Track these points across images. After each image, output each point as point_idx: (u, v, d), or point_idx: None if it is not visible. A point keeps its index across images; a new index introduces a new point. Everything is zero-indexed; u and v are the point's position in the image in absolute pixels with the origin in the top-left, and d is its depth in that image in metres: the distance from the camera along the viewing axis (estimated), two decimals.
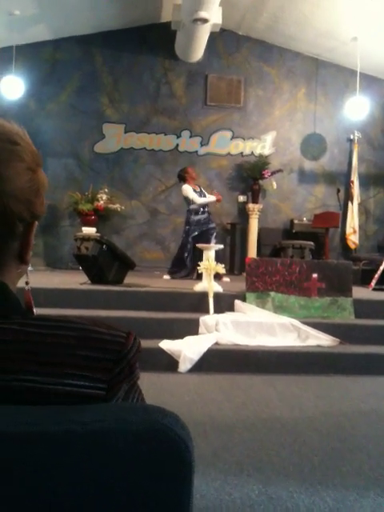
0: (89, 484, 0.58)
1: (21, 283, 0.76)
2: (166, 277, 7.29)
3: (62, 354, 0.63)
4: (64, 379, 0.63)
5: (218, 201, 7.63)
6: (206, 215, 7.44)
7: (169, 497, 0.61)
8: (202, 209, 7.39)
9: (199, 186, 7.65)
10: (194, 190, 7.40)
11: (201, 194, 7.43)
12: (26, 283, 0.79)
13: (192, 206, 7.36)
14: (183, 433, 0.61)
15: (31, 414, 0.57)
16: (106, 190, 9.11)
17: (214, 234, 7.50)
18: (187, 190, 7.33)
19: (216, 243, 6.99)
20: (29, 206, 0.70)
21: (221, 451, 2.71)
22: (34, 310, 0.76)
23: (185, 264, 7.34)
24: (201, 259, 5.90)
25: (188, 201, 7.38)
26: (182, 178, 7.53)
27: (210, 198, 7.44)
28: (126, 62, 9.46)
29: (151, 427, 0.60)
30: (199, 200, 7.32)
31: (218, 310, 5.12)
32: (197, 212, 7.37)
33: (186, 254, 7.31)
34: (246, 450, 2.74)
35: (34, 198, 0.71)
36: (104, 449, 0.58)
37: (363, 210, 9.85)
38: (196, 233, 7.33)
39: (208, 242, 7.00)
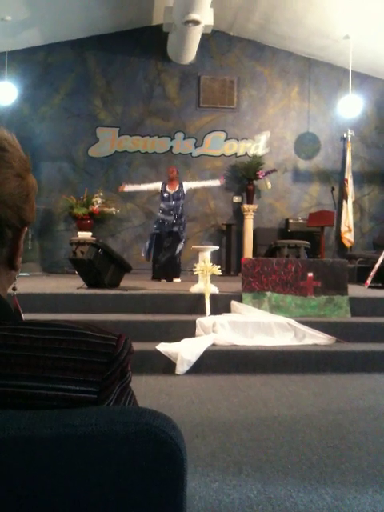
0: (81, 487, 0.58)
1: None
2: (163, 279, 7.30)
3: (53, 358, 0.64)
4: (55, 383, 0.63)
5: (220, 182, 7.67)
6: (171, 218, 7.28)
7: (162, 498, 0.62)
8: (166, 209, 7.30)
9: (172, 190, 7.40)
10: (164, 192, 7.37)
11: (166, 196, 7.33)
12: (13, 289, 0.79)
13: (160, 205, 7.44)
14: (175, 434, 0.62)
15: (22, 418, 0.58)
16: (101, 194, 9.11)
17: (180, 240, 7.36)
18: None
19: (179, 253, 7.26)
20: (18, 211, 0.70)
21: (219, 452, 2.72)
22: (23, 316, 0.77)
23: (155, 266, 7.38)
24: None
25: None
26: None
27: (147, 186, 7.59)
28: (118, 64, 9.48)
29: (142, 429, 0.60)
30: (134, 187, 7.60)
31: (214, 311, 5.12)
32: (162, 210, 7.36)
33: (146, 252, 7.42)
34: (244, 450, 2.75)
35: (23, 203, 0.71)
36: (96, 452, 0.58)
37: (358, 208, 9.88)
38: (156, 230, 7.29)
39: (175, 246, 7.18)
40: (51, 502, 0.58)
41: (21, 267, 0.75)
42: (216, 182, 7.65)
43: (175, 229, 7.25)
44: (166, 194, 7.33)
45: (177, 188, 7.36)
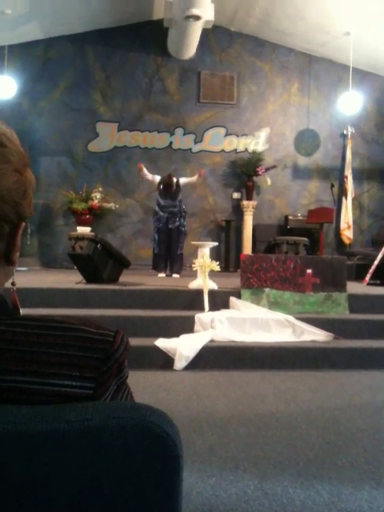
0: (77, 482, 0.58)
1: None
2: (161, 274, 7.28)
3: (50, 354, 0.64)
4: (51, 379, 0.63)
5: (199, 175, 7.51)
6: (167, 214, 7.25)
7: (158, 493, 0.62)
8: (163, 205, 7.27)
9: (170, 192, 7.31)
10: (160, 193, 7.31)
11: (165, 196, 7.27)
12: (12, 284, 0.79)
13: (157, 199, 7.39)
14: (171, 429, 0.62)
15: (18, 413, 0.58)
16: (100, 189, 9.10)
17: (182, 235, 7.36)
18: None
19: (181, 249, 7.26)
20: (15, 207, 0.70)
21: (217, 447, 2.73)
22: (21, 311, 0.77)
23: (157, 258, 7.34)
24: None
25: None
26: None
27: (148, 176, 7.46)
28: (118, 59, 9.45)
29: (138, 424, 0.60)
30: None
31: (213, 307, 5.12)
32: (158, 204, 7.32)
33: (154, 247, 7.37)
34: (241, 446, 2.76)
35: (21, 199, 0.71)
36: (91, 447, 0.58)
37: (357, 205, 9.88)
38: (161, 224, 7.26)
39: (176, 241, 7.20)
40: (47, 496, 0.58)
41: (18, 262, 0.75)
42: (196, 178, 7.53)
43: (176, 224, 7.26)
44: (162, 192, 7.30)
45: (173, 190, 7.30)
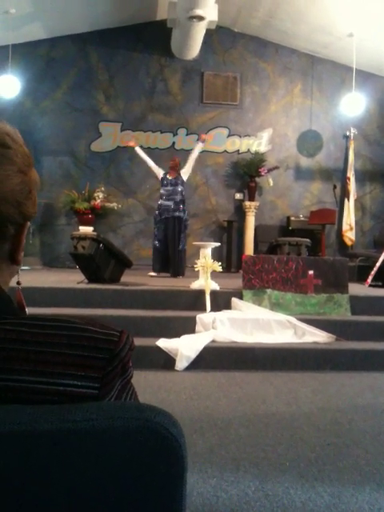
0: (81, 482, 0.58)
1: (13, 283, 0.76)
2: (152, 274, 7.20)
3: (55, 354, 0.64)
4: (56, 379, 0.63)
5: (201, 140, 7.58)
6: (171, 203, 7.22)
7: (161, 493, 0.62)
8: (166, 194, 7.27)
9: (171, 176, 7.37)
10: (163, 179, 7.35)
11: (165, 183, 7.33)
12: (18, 283, 0.79)
13: (160, 191, 7.42)
14: (175, 430, 0.62)
15: (24, 413, 0.58)
16: (103, 189, 9.11)
17: (186, 227, 7.35)
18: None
19: (180, 244, 7.14)
20: (19, 207, 0.70)
21: (217, 448, 2.73)
22: (27, 310, 0.77)
23: (157, 257, 7.26)
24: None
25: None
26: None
27: (150, 163, 7.55)
28: (121, 59, 9.45)
29: (143, 425, 0.60)
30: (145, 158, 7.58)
31: (214, 308, 5.13)
32: (162, 196, 7.33)
33: (155, 242, 7.29)
34: (242, 447, 2.76)
35: (25, 199, 0.71)
36: (96, 447, 0.59)
37: (359, 207, 9.87)
38: (163, 216, 7.22)
39: (178, 234, 7.12)
40: (51, 496, 0.58)
41: (22, 262, 0.75)
42: (199, 146, 7.56)
43: (177, 214, 7.21)
44: (164, 181, 7.35)
45: (175, 175, 7.36)
